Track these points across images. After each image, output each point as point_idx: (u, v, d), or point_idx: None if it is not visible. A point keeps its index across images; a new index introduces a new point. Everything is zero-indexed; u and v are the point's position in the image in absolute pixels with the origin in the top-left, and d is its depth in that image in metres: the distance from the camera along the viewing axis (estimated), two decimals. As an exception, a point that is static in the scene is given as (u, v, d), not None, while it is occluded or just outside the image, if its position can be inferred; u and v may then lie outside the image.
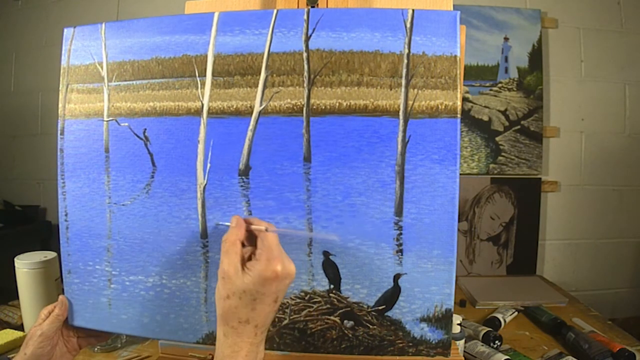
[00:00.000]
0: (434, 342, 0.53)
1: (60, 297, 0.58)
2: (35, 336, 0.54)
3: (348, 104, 0.53)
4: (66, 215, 0.59)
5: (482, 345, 0.88)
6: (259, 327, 0.44)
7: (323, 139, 0.53)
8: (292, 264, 0.44)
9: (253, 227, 0.47)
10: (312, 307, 0.54)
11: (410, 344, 0.53)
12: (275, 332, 0.55)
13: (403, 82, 0.52)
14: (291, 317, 0.54)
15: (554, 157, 1.50)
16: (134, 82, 0.58)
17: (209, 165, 0.55)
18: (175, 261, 0.56)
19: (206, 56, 0.55)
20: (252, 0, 0.64)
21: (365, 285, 0.53)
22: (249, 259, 0.45)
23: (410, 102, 0.52)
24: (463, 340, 0.82)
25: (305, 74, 0.53)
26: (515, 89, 1.47)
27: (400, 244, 0.52)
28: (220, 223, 0.54)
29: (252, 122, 0.54)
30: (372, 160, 0.52)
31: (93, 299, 0.58)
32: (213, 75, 0.55)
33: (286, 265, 0.44)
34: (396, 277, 0.52)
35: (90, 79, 0.59)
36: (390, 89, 0.52)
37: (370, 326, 0.53)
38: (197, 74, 0.56)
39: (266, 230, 0.46)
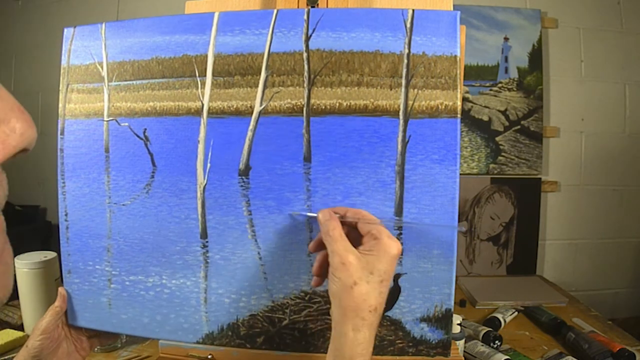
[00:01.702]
0: (434, 342, 0.53)
1: (60, 289, 0.58)
2: (36, 330, 0.54)
3: (348, 104, 0.53)
4: (66, 215, 0.59)
5: (482, 345, 0.88)
6: (380, 315, 0.43)
7: (323, 139, 0.53)
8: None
9: (349, 219, 0.47)
10: (312, 307, 0.54)
11: (410, 344, 0.53)
12: (275, 333, 0.55)
13: (403, 82, 0.52)
14: (291, 317, 0.54)
15: (554, 157, 1.50)
16: (134, 82, 0.58)
17: (209, 165, 0.55)
18: (175, 261, 0.56)
19: (206, 56, 0.55)
20: (252, 0, 0.64)
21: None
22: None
23: (410, 102, 0.52)
24: (463, 340, 0.82)
25: (306, 74, 0.53)
26: (515, 89, 1.47)
27: (400, 244, 0.52)
28: (299, 213, 0.53)
29: (252, 122, 0.54)
30: (372, 160, 0.52)
31: (93, 299, 0.58)
32: (213, 75, 0.55)
33: (400, 245, 0.44)
34: (396, 277, 0.52)
35: (91, 79, 0.59)
36: (391, 89, 0.52)
37: (370, 326, 0.53)
38: (197, 74, 0.56)
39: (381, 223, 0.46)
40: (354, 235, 0.47)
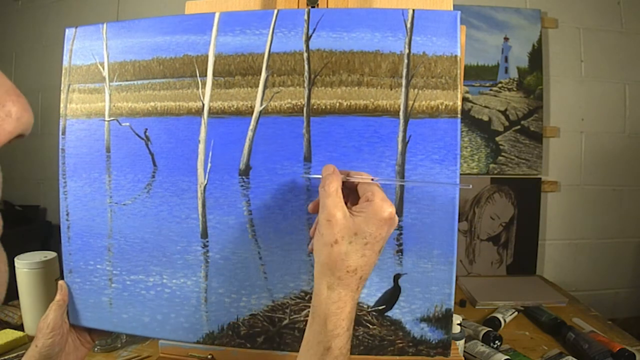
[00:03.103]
0: (434, 342, 0.53)
1: (60, 282, 0.58)
2: (43, 328, 0.54)
3: (348, 104, 0.53)
4: (67, 214, 0.59)
5: (482, 345, 0.88)
6: (362, 279, 0.42)
7: (323, 138, 0.53)
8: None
9: (351, 178, 0.45)
10: (313, 306, 0.54)
11: (410, 344, 0.53)
12: (276, 332, 0.55)
13: (403, 82, 0.52)
14: (291, 317, 0.54)
15: (553, 157, 1.51)
16: (135, 82, 0.58)
17: (209, 165, 0.55)
18: (175, 261, 0.56)
19: (207, 56, 0.55)
20: (252, 0, 0.64)
21: (365, 285, 0.53)
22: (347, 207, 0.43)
23: (410, 102, 0.52)
24: (463, 340, 0.82)
25: (306, 74, 0.53)
26: (515, 89, 1.47)
27: (400, 244, 0.52)
28: (308, 176, 0.52)
29: (253, 122, 0.54)
30: (373, 160, 0.52)
31: (94, 299, 0.58)
32: (214, 75, 0.55)
33: (394, 208, 0.42)
34: (396, 277, 0.53)
35: (92, 79, 0.59)
36: (391, 89, 0.52)
37: (370, 326, 0.53)
38: (198, 74, 0.56)
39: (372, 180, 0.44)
40: (354, 198, 0.46)
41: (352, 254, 0.41)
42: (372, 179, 0.45)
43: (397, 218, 0.42)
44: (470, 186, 0.48)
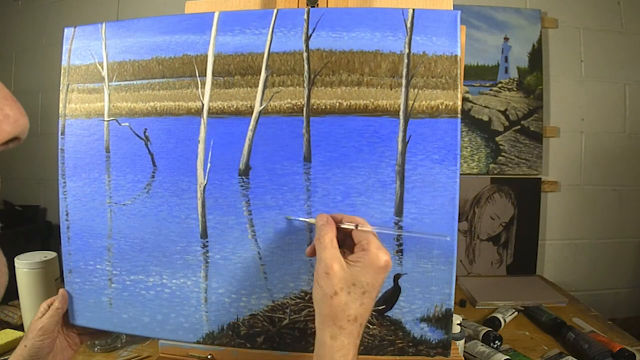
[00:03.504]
0: (434, 342, 0.53)
1: (61, 290, 0.58)
2: (35, 330, 0.54)
3: (348, 103, 0.53)
4: (67, 214, 0.59)
5: (482, 345, 0.88)
6: (362, 325, 0.43)
7: (323, 138, 0.53)
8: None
9: (344, 225, 0.46)
10: (312, 307, 0.54)
11: (410, 344, 0.53)
12: (276, 332, 0.55)
13: (403, 81, 0.52)
14: (291, 317, 0.54)
15: (554, 157, 1.51)
16: (135, 82, 0.58)
17: (209, 165, 0.55)
18: (175, 261, 0.56)
19: (206, 56, 0.55)
20: (252, 0, 0.64)
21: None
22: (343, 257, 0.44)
23: (410, 102, 0.52)
24: (463, 340, 0.82)
25: (306, 73, 0.53)
26: (515, 89, 1.47)
27: (400, 244, 0.52)
28: (294, 218, 0.53)
29: (252, 122, 0.54)
30: (373, 160, 0.52)
31: (94, 299, 0.58)
32: (213, 75, 0.55)
33: (388, 255, 0.43)
34: (396, 277, 0.52)
35: (91, 79, 0.59)
36: (391, 89, 0.52)
37: (370, 326, 0.53)
38: (197, 74, 0.56)
39: (356, 227, 0.45)
40: (350, 243, 0.47)
41: (351, 304, 0.42)
42: (357, 227, 0.46)
43: (390, 263, 0.43)
44: (450, 238, 0.49)
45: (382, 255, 0.42)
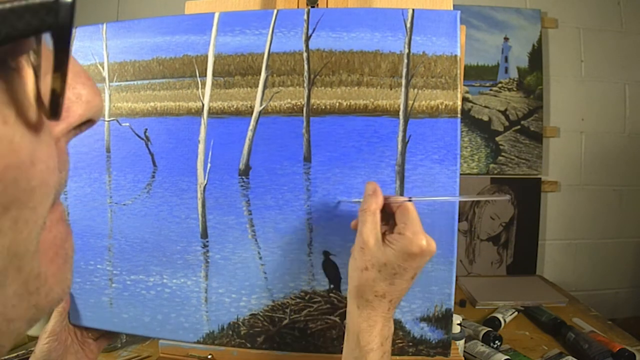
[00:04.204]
0: (434, 342, 0.53)
1: None
2: (42, 333, 0.53)
3: (348, 103, 0.53)
4: (67, 214, 0.59)
5: (482, 345, 0.88)
6: (394, 301, 0.43)
7: (323, 138, 0.53)
8: (433, 241, 0.42)
9: (392, 199, 0.45)
10: (313, 306, 0.54)
11: (410, 344, 0.53)
12: (276, 332, 0.55)
13: (403, 81, 0.52)
14: (291, 317, 0.54)
15: (554, 157, 1.51)
16: (135, 82, 0.58)
17: (209, 165, 0.55)
18: (175, 261, 0.56)
19: (206, 56, 0.55)
20: (252, 0, 0.64)
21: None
22: (383, 234, 0.44)
23: (410, 102, 0.52)
24: (463, 340, 0.82)
25: (306, 74, 0.53)
26: (515, 89, 1.47)
27: (429, 243, 0.52)
28: (345, 200, 0.52)
29: (253, 122, 0.54)
30: (372, 160, 0.52)
31: (94, 299, 0.58)
32: (213, 75, 0.55)
33: (429, 240, 0.42)
34: (396, 277, 0.52)
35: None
36: (391, 89, 0.52)
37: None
38: (197, 74, 0.56)
39: (409, 200, 0.44)
40: (394, 222, 0.45)
41: (380, 282, 0.42)
42: (410, 199, 0.44)
43: (432, 248, 0.42)
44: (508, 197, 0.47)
45: (416, 241, 0.41)
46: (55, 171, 0.18)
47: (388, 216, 0.46)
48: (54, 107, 0.17)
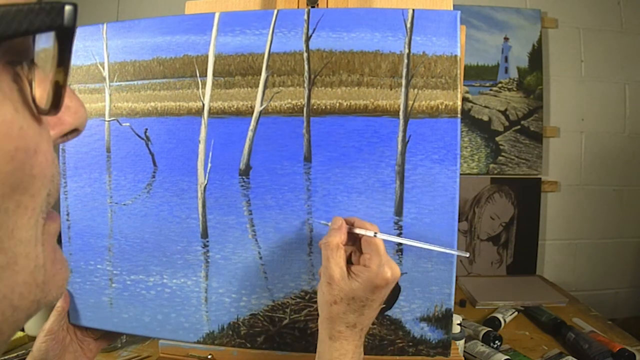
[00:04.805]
0: (434, 341, 0.53)
1: None
2: (40, 332, 0.53)
3: (348, 104, 0.53)
4: (68, 214, 0.59)
5: (482, 345, 0.88)
6: (364, 329, 0.45)
7: (323, 139, 0.53)
8: (397, 267, 0.43)
9: (357, 230, 0.46)
10: (313, 306, 0.54)
11: (410, 344, 0.53)
12: (276, 332, 0.55)
13: (403, 82, 0.52)
14: (291, 317, 0.54)
15: (554, 157, 1.51)
16: (135, 82, 0.58)
17: (209, 165, 0.55)
18: (176, 261, 0.56)
19: (207, 56, 0.56)
20: (252, 0, 0.64)
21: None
22: (349, 260, 0.45)
23: (410, 102, 0.52)
24: (463, 340, 0.83)
25: (306, 74, 0.53)
26: (515, 89, 1.47)
27: (401, 244, 0.52)
28: (323, 222, 0.52)
29: (253, 122, 0.54)
30: (373, 160, 0.52)
31: (94, 298, 0.58)
32: (214, 75, 0.55)
33: (394, 269, 0.43)
34: (396, 277, 0.53)
35: (92, 79, 0.59)
36: (391, 89, 0.52)
37: (370, 325, 0.53)
38: (198, 74, 0.56)
39: (374, 235, 0.45)
40: (360, 250, 0.46)
41: (350, 314, 0.43)
42: (375, 234, 0.45)
43: (396, 275, 0.43)
44: (468, 254, 0.48)
45: (381, 274, 0.42)
46: (52, 165, 0.20)
47: (353, 243, 0.46)
48: (56, 99, 0.19)
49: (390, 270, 0.42)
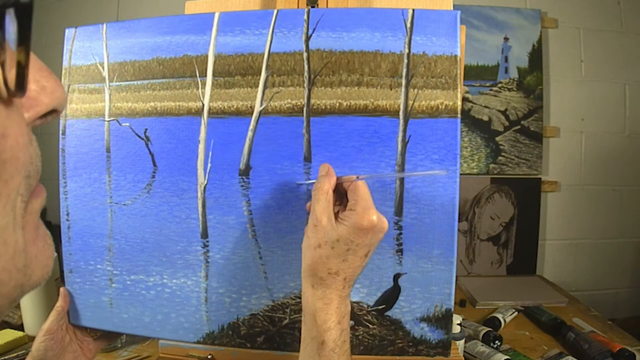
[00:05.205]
0: (434, 342, 0.53)
1: (62, 289, 0.58)
2: (39, 332, 0.53)
3: (348, 104, 0.53)
4: (68, 214, 0.59)
5: (482, 345, 0.88)
6: (347, 280, 0.44)
7: (323, 139, 0.53)
8: (384, 218, 0.43)
9: (344, 178, 0.46)
10: (313, 306, 0.54)
11: (410, 344, 0.53)
12: (276, 332, 0.55)
13: (403, 82, 0.52)
14: (291, 317, 0.54)
15: (554, 157, 1.51)
16: (135, 82, 0.58)
17: (209, 165, 0.55)
18: (176, 261, 0.56)
19: (207, 56, 0.55)
20: (252, 0, 0.64)
21: (365, 285, 0.53)
22: (336, 213, 0.45)
23: (410, 102, 0.52)
24: (463, 340, 0.82)
25: (306, 74, 0.53)
26: (515, 89, 1.47)
27: (400, 244, 0.52)
28: (301, 182, 0.53)
29: (253, 122, 0.54)
30: (372, 160, 0.52)
31: (94, 299, 0.58)
32: (214, 75, 0.55)
33: (380, 216, 0.43)
34: (396, 277, 0.53)
35: (92, 80, 0.59)
36: (391, 89, 0.52)
37: (370, 326, 0.54)
38: (197, 74, 0.56)
39: (357, 178, 0.45)
40: (347, 201, 0.47)
41: (333, 259, 0.43)
42: (357, 177, 0.46)
43: (383, 224, 0.43)
44: (446, 172, 0.48)
45: (367, 216, 0.42)
46: (25, 148, 0.20)
47: (342, 196, 0.47)
48: (19, 80, 0.18)
49: (377, 215, 0.43)
